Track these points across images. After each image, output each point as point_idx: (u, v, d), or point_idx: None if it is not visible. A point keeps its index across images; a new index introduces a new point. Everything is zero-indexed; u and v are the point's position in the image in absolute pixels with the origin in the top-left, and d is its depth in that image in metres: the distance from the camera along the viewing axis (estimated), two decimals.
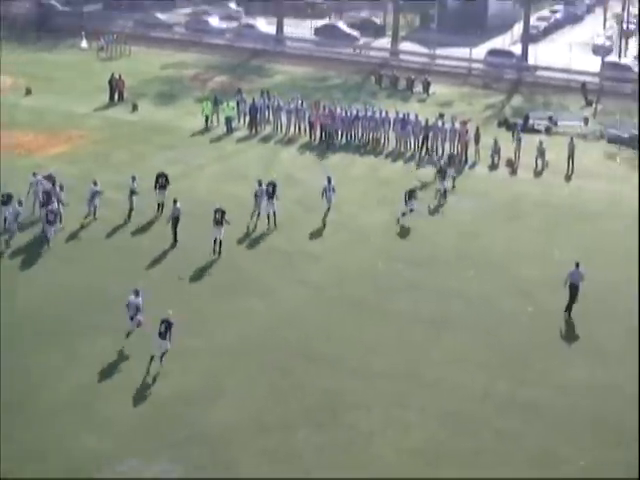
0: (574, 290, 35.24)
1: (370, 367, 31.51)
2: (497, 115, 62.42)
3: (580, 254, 39.38)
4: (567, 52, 75.20)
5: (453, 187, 47.60)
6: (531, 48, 77.41)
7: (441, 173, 46.81)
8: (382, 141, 54.51)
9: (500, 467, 26.82)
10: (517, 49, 79.51)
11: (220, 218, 38.97)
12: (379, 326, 34.23)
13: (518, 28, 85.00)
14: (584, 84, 68.92)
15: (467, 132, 52.82)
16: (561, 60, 74.94)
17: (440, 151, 52.85)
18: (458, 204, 45.96)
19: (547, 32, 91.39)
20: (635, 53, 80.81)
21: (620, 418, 29.14)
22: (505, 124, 58.69)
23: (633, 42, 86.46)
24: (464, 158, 52.12)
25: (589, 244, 41.53)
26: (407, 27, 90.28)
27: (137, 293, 32.51)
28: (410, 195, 43.06)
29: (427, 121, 53.71)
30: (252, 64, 75.87)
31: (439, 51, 78.32)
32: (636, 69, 74.18)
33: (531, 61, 76.79)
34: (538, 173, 51.03)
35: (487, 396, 30.13)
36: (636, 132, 57.64)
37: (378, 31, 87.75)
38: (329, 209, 43.35)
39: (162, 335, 30.55)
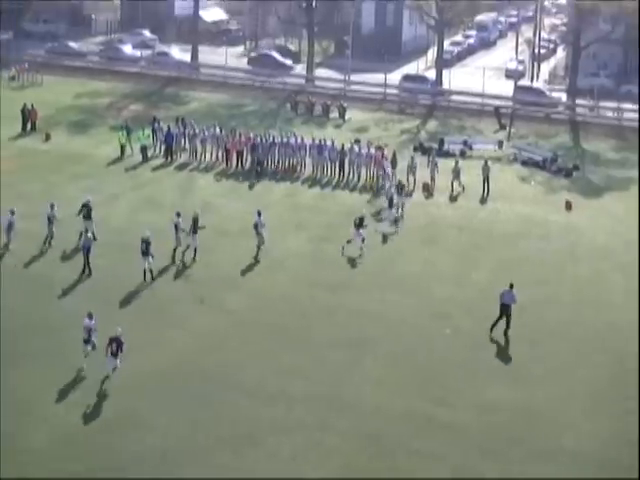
0: (505, 310, 35.58)
1: (290, 392, 31.38)
2: (412, 140, 62.96)
3: (496, 275, 39.95)
4: (480, 77, 76.26)
5: (401, 215, 47.42)
6: (445, 73, 78.44)
7: (390, 202, 46.90)
8: (298, 167, 54.59)
9: None
10: (431, 74, 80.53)
11: (146, 248, 38.81)
12: (298, 351, 34.13)
13: (432, 53, 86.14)
14: (497, 108, 70.00)
15: (383, 157, 53.13)
16: (475, 84, 76.06)
17: (357, 176, 53.10)
18: (374, 227, 46.10)
19: (460, 57, 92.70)
20: (546, 77, 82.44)
21: (537, 436, 29.41)
22: (421, 148, 59.20)
23: (544, 66, 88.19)
24: (380, 183, 52.38)
25: (505, 266, 42.00)
26: (322, 54, 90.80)
27: (91, 316, 32.45)
28: (360, 223, 43.01)
29: (343, 146, 53.96)
30: (167, 92, 75.51)
31: (354, 77, 78.92)
32: (547, 92, 75.61)
33: (445, 86, 77.84)
34: (454, 197, 51.52)
35: (406, 417, 30.21)
36: (548, 155, 58.63)
37: (293, 58, 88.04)
38: (262, 244, 42.22)
39: (114, 354, 31.14)
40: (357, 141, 56.54)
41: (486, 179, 52.05)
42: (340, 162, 53.77)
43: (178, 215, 41.67)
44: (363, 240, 42.62)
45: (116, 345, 31.15)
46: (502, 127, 67.62)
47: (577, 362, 34.03)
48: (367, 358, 33.88)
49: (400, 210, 47.53)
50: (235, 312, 36.96)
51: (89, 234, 39.74)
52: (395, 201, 47.15)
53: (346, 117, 67.92)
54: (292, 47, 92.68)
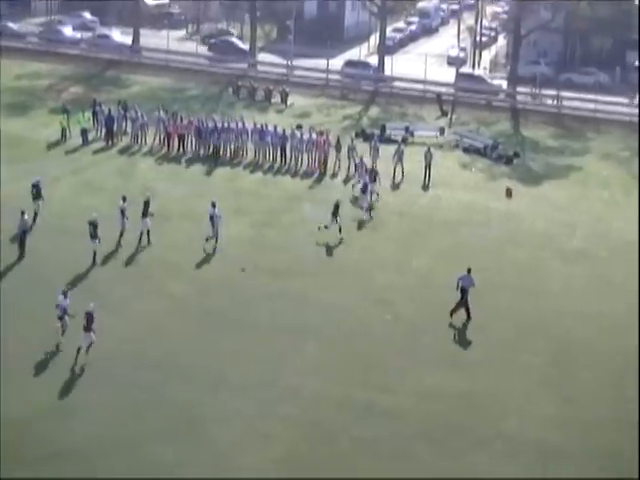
0: (464, 294, 35.87)
1: (230, 379, 31.27)
2: (355, 126, 62.90)
3: (437, 262, 40.17)
4: (422, 63, 76.30)
5: (376, 202, 47.39)
6: (387, 59, 78.33)
7: (364, 189, 46.82)
8: (240, 152, 54.30)
9: (358, 473, 26.95)
10: (374, 60, 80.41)
11: (94, 231, 38.65)
12: (239, 337, 34.00)
13: (374, 39, 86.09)
14: (439, 95, 70.18)
15: (324, 142, 53.06)
16: (417, 71, 76.07)
17: (299, 162, 52.98)
18: (316, 214, 46.06)
19: (403, 44, 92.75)
20: (487, 65, 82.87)
21: (477, 422, 29.60)
22: (362, 135, 59.14)
23: (486, 54, 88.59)
24: (323, 169, 52.35)
25: (445, 252, 42.20)
26: (265, 38, 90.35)
27: (65, 294, 32.73)
28: (336, 210, 42.87)
29: (284, 131, 53.78)
30: (108, 75, 74.54)
31: (297, 62, 78.60)
32: (488, 80, 76.02)
33: (387, 72, 77.74)
34: (396, 183, 51.58)
35: (346, 404, 30.24)
36: (489, 142, 58.95)
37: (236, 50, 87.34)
38: (217, 239, 41.41)
39: (86, 328, 31.33)
40: (299, 126, 56.35)
41: (428, 166, 52.14)
42: (282, 147, 53.62)
43: (124, 200, 41.31)
44: (340, 228, 42.70)
45: (87, 319, 31.47)
46: (444, 114, 67.82)
47: (518, 348, 34.29)
48: (308, 344, 33.83)
49: (375, 197, 47.55)
50: (176, 297, 36.72)
51: (25, 217, 39.22)
52: (369, 188, 47.05)
53: (288, 102, 67.66)
54: (234, 31, 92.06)
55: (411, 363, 32.97)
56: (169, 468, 26.75)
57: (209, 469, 26.89)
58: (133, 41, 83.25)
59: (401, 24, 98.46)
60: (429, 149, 52.89)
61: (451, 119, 66.46)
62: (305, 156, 53.27)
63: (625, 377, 32.66)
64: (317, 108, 67.57)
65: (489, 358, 33.61)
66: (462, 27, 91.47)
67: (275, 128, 54.30)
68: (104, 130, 55.88)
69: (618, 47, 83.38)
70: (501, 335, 35.26)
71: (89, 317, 31.48)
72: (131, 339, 33.34)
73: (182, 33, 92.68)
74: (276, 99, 68.07)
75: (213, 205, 41.25)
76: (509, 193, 50.36)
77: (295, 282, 38.58)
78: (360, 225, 45.09)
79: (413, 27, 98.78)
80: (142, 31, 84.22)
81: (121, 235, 41.10)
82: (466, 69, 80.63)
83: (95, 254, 38.93)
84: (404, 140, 58.74)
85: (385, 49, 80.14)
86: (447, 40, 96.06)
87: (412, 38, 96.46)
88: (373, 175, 48.37)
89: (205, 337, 33.88)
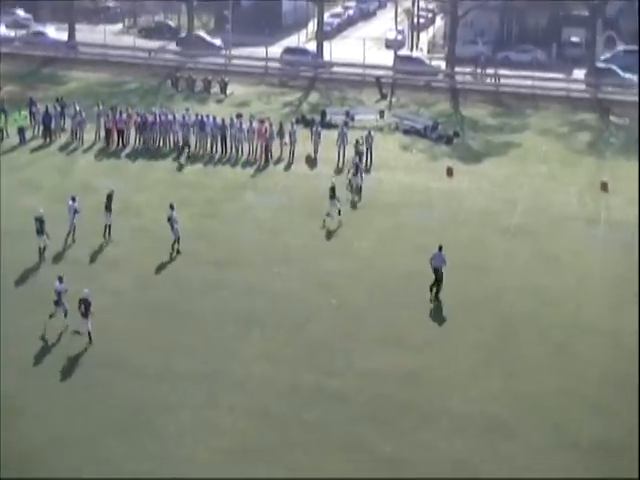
0: (437, 273, 36.22)
1: (177, 370, 31.20)
2: (295, 112, 62.90)
3: (379, 245, 40.31)
4: (361, 47, 76.46)
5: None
6: (326, 45, 78.41)
7: (356, 169, 47.16)
8: (182, 144, 53.99)
9: (309, 458, 27.03)
10: (312, 46, 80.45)
11: (40, 227, 38.59)
12: (184, 328, 33.92)
13: (312, 25, 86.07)
14: (378, 78, 70.33)
15: (266, 131, 52.97)
16: (355, 55, 76.22)
17: (240, 151, 52.85)
18: (259, 202, 46.10)
19: (341, 29, 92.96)
20: (425, 46, 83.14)
21: (424, 401, 29.80)
22: (303, 121, 59.15)
23: (424, 35, 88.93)
24: (264, 156, 52.29)
25: (388, 234, 42.39)
26: (202, 28, 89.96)
27: (61, 279, 33.25)
28: (333, 193, 43.00)
29: (223, 121, 53.60)
30: (44, 72, 73.68)
31: (235, 51, 78.41)
32: (427, 61, 76.33)
33: (326, 58, 77.84)
34: (338, 168, 51.56)
35: (294, 390, 30.31)
36: (429, 123, 59.23)
37: (173, 34, 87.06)
38: (177, 238, 40.51)
39: (84, 315, 32.18)
40: (239, 115, 56.21)
41: (369, 149, 52.29)
42: (222, 137, 53.46)
43: (73, 200, 41.12)
44: (339, 211, 43.02)
45: (84, 305, 32.09)
46: (383, 97, 68.03)
47: (464, 326, 34.55)
48: (254, 333, 33.84)
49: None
50: (119, 292, 36.52)
51: None
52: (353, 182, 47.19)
53: (228, 92, 67.49)
54: (172, 23, 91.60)
55: (357, 346, 33.11)
56: (119, 463, 26.65)
57: (159, 461, 26.83)
58: (69, 37, 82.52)
59: (339, 9, 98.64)
60: (370, 132, 53.01)
61: (391, 102, 66.69)
62: (246, 145, 53.17)
63: (568, 349, 33.06)
64: (257, 96, 67.47)
65: (434, 336, 33.85)
66: (399, 10, 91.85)
67: (214, 118, 54.14)
68: (41, 128, 55.34)
69: (554, 24, 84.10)
70: (446, 313, 35.52)
71: (86, 303, 32.25)
72: (74, 336, 33.06)
73: (119, 27, 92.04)
74: (215, 89, 67.85)
75: (172, 207, 40.41)
76: (450, 172, 50.65)
77: (239, 271, 38.56)
78: (304, 211, 45.10)
79: (351, 12, 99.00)
80: (78, 26, 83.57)
81: (68, 234, 40.86)
82: (404, 51, 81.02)
83: (43, 250, 38.76)
84: (345, 124, 58.77)
85: (323, 35, 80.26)
86: (385, 23, 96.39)
87: (350, 23, 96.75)
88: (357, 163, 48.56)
89: (151, 330, 33.73)
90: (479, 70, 73.75)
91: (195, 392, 30.07)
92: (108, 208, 41.20)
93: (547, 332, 34.17)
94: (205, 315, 34.95)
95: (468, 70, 73.95)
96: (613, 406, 29.70)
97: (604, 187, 48.82)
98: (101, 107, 55.94)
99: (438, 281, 36.33)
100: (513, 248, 41.39)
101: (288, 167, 51.61)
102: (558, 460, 27.21)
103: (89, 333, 32.46)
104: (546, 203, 46.84)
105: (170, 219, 40.30)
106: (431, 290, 36.39)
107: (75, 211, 40.83)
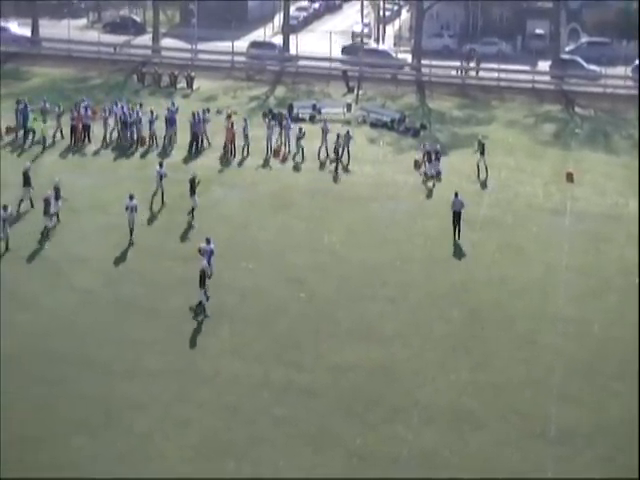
0: (456, 216, 41.05)
1: (145, 366, 31.11)
2: (262, 106, 62.81)
3: (348, 237, 40.40)
4: (327, 41, 76.43)
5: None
6: (292, 38, 78.32)
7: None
8: (149, 140, 53.75)
9: (278, 454, 26.99)
10: (278, 40, 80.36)
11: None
12: (152, 324, 33.83)
13: (278, 19, 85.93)
14: (345, 71, 70.39)
15: (232, 125, 52.79)
16: (322, 49, 76.19)
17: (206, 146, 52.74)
18: (226, 196, 46.00)
19: (307, 22, 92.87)
20: (392, 39, 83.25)
21: (394, 394, 29.88)
22: (270, 115, 59.02)
23: (390, 28, 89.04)
24: (232, 151, 52.14)
25: (356, 228, 42.45)
26: (168, 23, 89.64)
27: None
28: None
29: (194, 115, 53.37)
30: (6, 68, 72.83)
31: (201, 46, 78.18)
32: (393, 54, 76.46)
33: (293, 51, 77.77)
34: (298, 163, 51.32)
35: (264, 385, 30.28)
36: (396, 115, 59.33)
37: (138, 28, 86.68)
38: (132, 230, 40.83)
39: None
40: (206, 110, 55.98)
41: (346, 146, 51.99)
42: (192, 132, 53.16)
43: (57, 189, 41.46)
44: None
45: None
46: (350, 90, 68.13)
47: (431, 318, 34.67)
48: (223, 328, 33.78)
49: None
50: (84, 289, 36.35)
51: None
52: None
53: (194, 86, 67.29)
54: (137, 18, 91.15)
55: (326, 339, 33.14)
56: (84, 462, 26.47)
57: (127, 457, 26.73)
58: (32, 32, 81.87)
59: (305, 2, 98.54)
60: (348, 132, 52.27)
61: (358, 95, 66.79)
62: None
63: (535, 339, 33.27)
64: (223, 91, 67.33)
65: (403, 329, 33.94)
66: (365, 3, 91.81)
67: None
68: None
69: (518, 16, 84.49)
70: (414, 305, 35.63)
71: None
72: (41, 334, 32.89)
73: (83, 22, 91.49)
74: (182, 84, 67.63)
75: (131, 198, 40.70)
76: (417, 165, 50.71)
77: None
78: (272, 206, 45.08)
79: (316, 5, 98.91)
80: (41, 21, 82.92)
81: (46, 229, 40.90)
82: (371, 44, 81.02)
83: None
84: (312, 118, 58.91)
85: (290, 28, 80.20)
86: (351, 16, 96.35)
87: (316, 16, 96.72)
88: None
89: (116, 327, 33.60)
90: (472, 65, 73.60)
91: (163, 388, 29.97)
92: (192, 192, 42.31)
93: (513, 323, 34.34)
94: (172, 311, 34.80)
95: (433, 62, 73.68)
96: (580, 396, 29.91)
97: (570, 178, 49.11)
98: (59, 104, 55.36)
99: (456, 222, 40.94)
100: (479, 239, 41.57)
101: (265, 164, 51.39)
102: (526, 450, 27.37)
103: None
104: (512, 194, 47.06)
105: (127, 208, 40.52)
106: (454, 232, 40.88)
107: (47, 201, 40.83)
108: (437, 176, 48.50)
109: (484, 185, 48.38)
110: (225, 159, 51.48)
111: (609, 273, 38.52)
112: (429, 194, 47.19)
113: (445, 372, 31.23)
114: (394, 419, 28.68)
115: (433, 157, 48.96)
